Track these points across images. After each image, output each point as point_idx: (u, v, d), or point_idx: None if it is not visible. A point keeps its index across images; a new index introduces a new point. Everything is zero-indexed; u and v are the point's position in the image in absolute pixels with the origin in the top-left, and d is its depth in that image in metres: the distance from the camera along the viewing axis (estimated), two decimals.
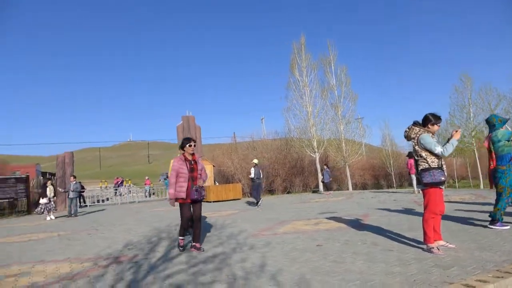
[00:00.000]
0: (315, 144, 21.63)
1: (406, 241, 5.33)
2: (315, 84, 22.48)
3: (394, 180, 26.20)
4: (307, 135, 22.14)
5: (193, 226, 5.78)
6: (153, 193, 26.52)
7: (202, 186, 5.68)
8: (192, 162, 5.67)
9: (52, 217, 14.10)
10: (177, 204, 5.66)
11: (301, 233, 6.71)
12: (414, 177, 14.20)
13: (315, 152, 21.63)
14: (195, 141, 5.80)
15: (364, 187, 25.83)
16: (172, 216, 11.92)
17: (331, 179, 19.73)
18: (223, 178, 23.29)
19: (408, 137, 4.87)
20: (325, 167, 19.68)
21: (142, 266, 4.95)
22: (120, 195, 24.93)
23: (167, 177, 26.22)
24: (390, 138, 28.62)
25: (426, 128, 4.73)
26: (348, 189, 21.90)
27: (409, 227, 6.43)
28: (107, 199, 25.40)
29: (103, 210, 18.12)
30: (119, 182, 30.49)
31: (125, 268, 4.88)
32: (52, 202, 14.70)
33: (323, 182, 19.56)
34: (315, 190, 20.40)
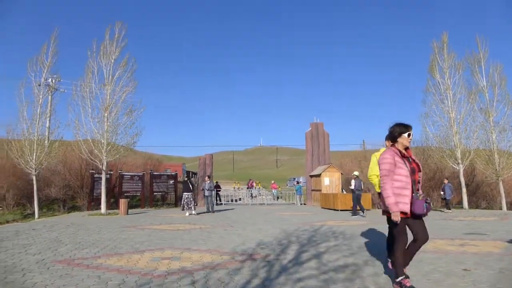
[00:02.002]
0: (458, 154, 19.13)
1: None
2: (460, 87, 19.88)
3: None
4: (449, 145, 19.71)
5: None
6: (280, 197, 27.36)
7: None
8: (410, 160, 4.04)
9: (188, 213, 14.88)
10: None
11: (443, 254, 6.01)
12: None
13: (458, 163, 19.12)
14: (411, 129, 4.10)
15: None
16: (299, 222, 12.11)
17: (453, 195, 17.18)
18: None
19: None
20: (445, 181, 17.20)
21: (274, 266, 5.16)
22: (251, 196, 26.56)
23: (298, 182, 26.80)
24: None
25: None
26: (501, 208, 18.68)
27: None
28: (240, 199, 27.34)
29: (235, 209, 19.56)
30: (251, 184, 32.28)
31: (259, 266, 5.17)
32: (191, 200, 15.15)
33: (444, 198, 17.04)
34: (440, 209, 17.88)
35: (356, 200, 14.81)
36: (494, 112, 19.21)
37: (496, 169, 18.75)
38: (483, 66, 19.77)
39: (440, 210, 17.15)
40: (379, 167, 4.03)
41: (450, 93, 19.80)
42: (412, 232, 3.95)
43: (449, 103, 19.73)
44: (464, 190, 19.03)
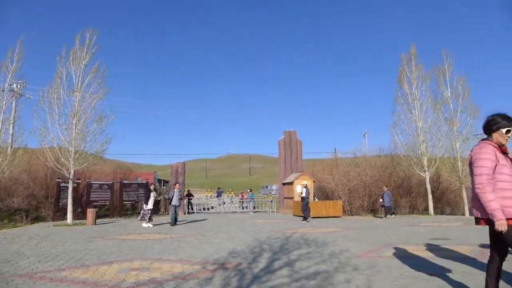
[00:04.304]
0: (425, 162, 19.87)
1: None
2: (427, 97, 20.76)
3: None
4: (416, 153, 20.45)
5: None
6: (255, 207, 26.91)
7: None
8: (508, 157, 3.38)
9: (150, 225, 13.57)
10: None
11: (411, 259, 6.17)
12: None
13: (425, 171, 19.86)
14: None
15: None
16: (271, 229, 12.11)
17: (392, 202, 17.86)
18: (323, 194, 22.89)
19: None
20: (385, 188, 17.71)
21: (246, 274, 5.12)
22: (224, 204, 26.33)
23: (250, 190, 26.67)
24: None
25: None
26: (464, 214, 19.49)
27: None
28: (212, 207, 27.04)
29: (207, 217, 19.31)
30: (242, 195, 30.92)
31: (230, 275, 5.11)
32: (148, 210, 13.94)
33: (382, 206, 17.57)
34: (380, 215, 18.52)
35: (306, 206, 16.19)
36: (458, 122, 20.11)
37: (460, 177, 19.56)
38: (447, 78, 20.70)
39: (380, 217, 17.67)
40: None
41: (417, 103, 20.60)
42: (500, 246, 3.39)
43: (417, 112, 20.51)
44: (430, 197, 19.74)
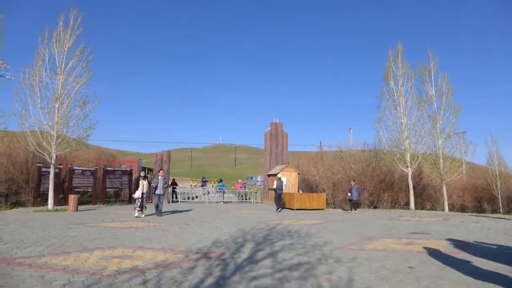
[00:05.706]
0: (408, 158, 20.20)
1: None
2: (412, 95, 21.03)
3: (501, 205, 23.07)
4: (400, 148, 20.77)
5: None
6: (246, 197, 26.48)
7: None
8: None
9: (137, 214, 12.71)
10: None
11: (391, 252, 6.29)
12: None
13: (407, 166, 20.19)
14: None
15: (462, 209, 23.23)
16: (255, 220, 12.17)
17: (360, 196, 18.21)
18: (307, 186, 23.08)
19: None
20: (352, 182, 17.80)
21: (229, 264, 5.13)
22: (208, 193, 26.26)
23: (221, 180, 26.62)
24: (498, 156, 25.15)
25: None
26: (443, 209, 19.96)
27: None
28: (196, 196, 26.96)
29: (191, 206, 19.25)
30: (241, 185, 30.11)
31: (213, 264, 5.12)
32: (144, 199, 12.97)
33: (350, 200, 17.55)
34: (346, 208, 18.76)
35: (279, 197, 16.91)
36: (441, 119, 20.49)
37: (441, 173, 19.99)
38: (432, 77, 21.03)
39: (346, 210, 17.83)
40: None
41: (402, 100, 20.84)
42: None
43: (401, 109, 20.76)
44: (411, 192, 20.10)
